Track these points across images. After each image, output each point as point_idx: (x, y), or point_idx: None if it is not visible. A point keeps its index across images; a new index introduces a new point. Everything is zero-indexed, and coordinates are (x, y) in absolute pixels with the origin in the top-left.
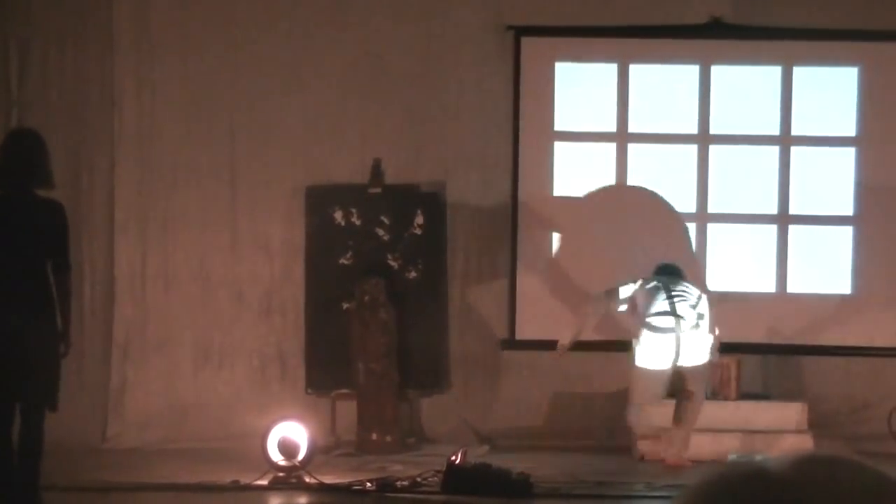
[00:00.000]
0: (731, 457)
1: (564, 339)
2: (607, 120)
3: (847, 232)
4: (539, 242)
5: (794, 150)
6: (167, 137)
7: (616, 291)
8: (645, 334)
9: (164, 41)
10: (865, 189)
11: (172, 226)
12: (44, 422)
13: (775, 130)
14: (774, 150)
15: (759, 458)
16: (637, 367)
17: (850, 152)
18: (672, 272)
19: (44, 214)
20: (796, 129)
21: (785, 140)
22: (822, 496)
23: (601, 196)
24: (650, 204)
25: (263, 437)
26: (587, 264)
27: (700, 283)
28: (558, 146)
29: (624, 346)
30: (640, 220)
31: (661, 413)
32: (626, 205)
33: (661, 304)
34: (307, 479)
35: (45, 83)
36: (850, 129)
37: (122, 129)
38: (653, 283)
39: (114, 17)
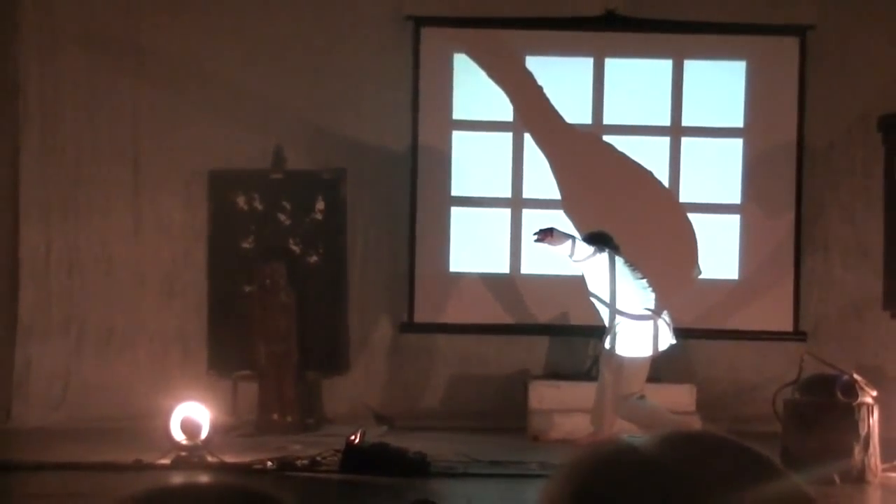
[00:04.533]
0: (622, 438)
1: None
2: (505, 110)
3: (734, 220)
4: (437, 229)
5: (685, 141)
6: (70, 123)
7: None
8: (624, 322)
9: (67, 27)
10: (751, 179)
11: (75, 210)
12: None
13: (666, 122)
14: (665, 141)
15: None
16: (623, 357)
17: (737, 143)
18: (611, 241)
19: None
20: (686, 121)
21: (675, 131)
22: (691, 473)
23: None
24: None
25: (166, 418)
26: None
27: None
28: (456, 135)
29: (520, 330)
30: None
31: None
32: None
33: (633, 284)
34: (209, 459)
35: None
36: (737, 121)
37: (26, 115)
38: (616, 257)
39: (15, 4)
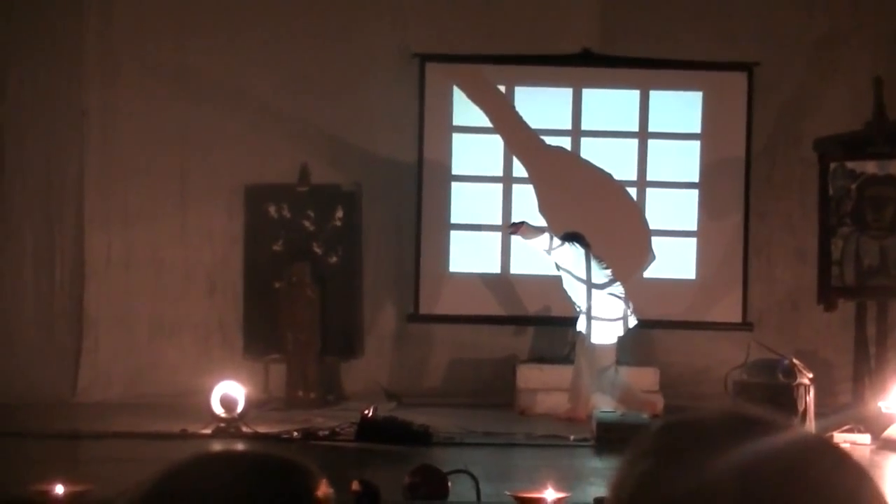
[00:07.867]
0: (596, 413)
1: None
2: (497, 137)
3: (692, 227)
4: (438, 234)
5: (650, 161)
6: (127, 143)
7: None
8: (598, 315)
9: (125, 60)
10: (706, 192)
11: (132, 218)
12: None
13: (634, 144)
14: (633, 160)
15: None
16: (596, 344)
17: (695, 162)
18: (583, 239)
19: None
20: (651, 142)
21: (642, 152)
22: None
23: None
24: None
25: (207, 394)
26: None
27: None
28: (456, 154)
29: (509, 321)
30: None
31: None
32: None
33: (601, 275)
34: (244, 429)
35: (21, 98)
36: (694, 142)
37: (90, 137)
38: (591, 255)
39: (81, 40)
